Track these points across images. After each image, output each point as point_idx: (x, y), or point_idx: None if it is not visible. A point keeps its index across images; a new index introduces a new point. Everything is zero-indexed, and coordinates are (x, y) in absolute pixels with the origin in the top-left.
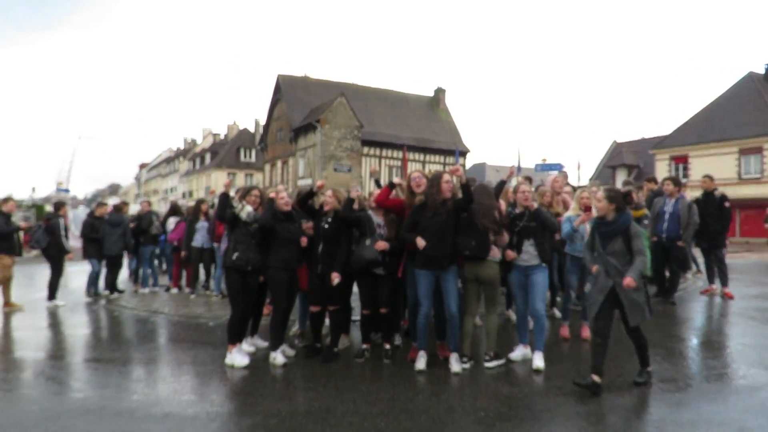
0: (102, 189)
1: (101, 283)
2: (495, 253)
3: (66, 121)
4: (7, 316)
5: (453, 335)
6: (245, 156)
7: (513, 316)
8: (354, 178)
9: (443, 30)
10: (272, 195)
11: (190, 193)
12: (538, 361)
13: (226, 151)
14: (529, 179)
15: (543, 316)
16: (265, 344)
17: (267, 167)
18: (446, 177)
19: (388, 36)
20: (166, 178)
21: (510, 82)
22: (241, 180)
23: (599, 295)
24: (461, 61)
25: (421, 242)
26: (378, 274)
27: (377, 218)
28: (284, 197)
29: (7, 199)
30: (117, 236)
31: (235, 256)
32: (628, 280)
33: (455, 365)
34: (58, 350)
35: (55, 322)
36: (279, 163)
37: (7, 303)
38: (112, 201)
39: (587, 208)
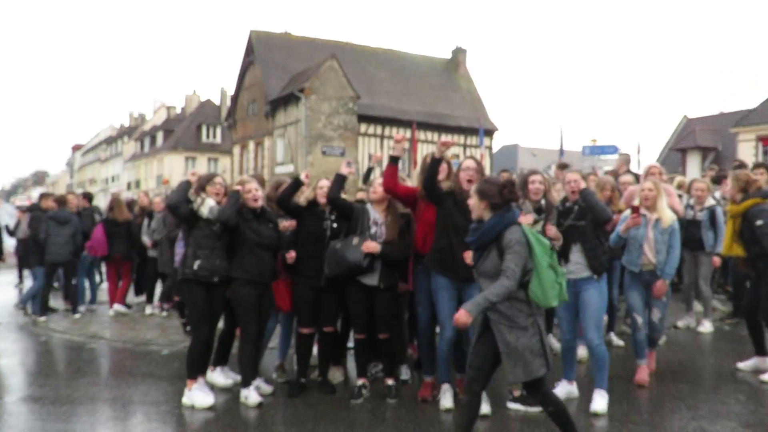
0: (24, 178)
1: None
2: None
3: None
4: None
5: None
6: (208, 135)
7: (555, 342)
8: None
9: None
10: (237, 188)
11: (137, 183)
12: (599, 402)
13: (184, 130)
14: (563, 166)
15: (600, 346)
16: (237, 378)
17: (236, 150)
18: (467, 163)
19: None
20: (107, 163)
21: (550, 41)
22: (203, 166)
23: (474, 339)
24: (487, 14)
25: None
26: (372, 287)
27: (376, 214)
28: (252, 190)
29: None
30: (65, 238)
31: (196, 264)
32: (459, 313)
33: (483, 405)
34: None
35: None
36: (252, 145)
37: None
38: (36, 192)
39: (635, 209)
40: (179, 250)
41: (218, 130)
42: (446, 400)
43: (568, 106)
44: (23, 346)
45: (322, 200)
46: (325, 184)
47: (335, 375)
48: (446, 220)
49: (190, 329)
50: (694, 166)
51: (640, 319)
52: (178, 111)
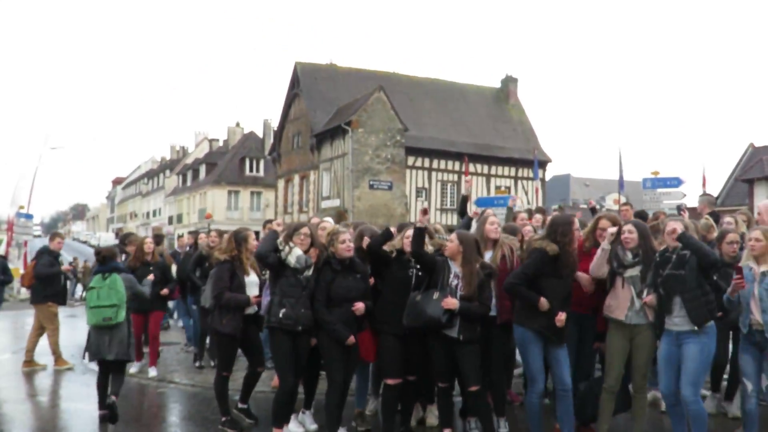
0: (64, 211)
1: None
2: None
3: (19, 122)
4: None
5: (567, 416)
6: (252, 169)
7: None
8: (397, 198)
9: None
10: (333, 244)
11: (179, 218)
12: None
13: (227, 163)
14: (593, 209)
15: (696, 402)
16: (314, 427)
17: (281, 183)
18: (577, 223)
19: (438, 8)
20: (148, 197)
21: (606, 67)
22: (246, 200)
23: None
24: (538, 41)
25: (544, 305)
26: (452, 337)
27: (455, 267)
28: (346, 241)
29: (54, 235)
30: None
31: (281, 313)
32: None
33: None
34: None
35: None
36: (297, 179)
37: (58, 359)
38: (76, 227)
39: (737, 270)
40: (265, 298)
41: (261, 163)
42: None
43: (624, 133)
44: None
45: (408, 249)
46: (411, 234)
47: (431, 417)
48: (548, 290)
49: (278, 377)
50: (762, 198)
51: (750, 386)
52: (221, 143)
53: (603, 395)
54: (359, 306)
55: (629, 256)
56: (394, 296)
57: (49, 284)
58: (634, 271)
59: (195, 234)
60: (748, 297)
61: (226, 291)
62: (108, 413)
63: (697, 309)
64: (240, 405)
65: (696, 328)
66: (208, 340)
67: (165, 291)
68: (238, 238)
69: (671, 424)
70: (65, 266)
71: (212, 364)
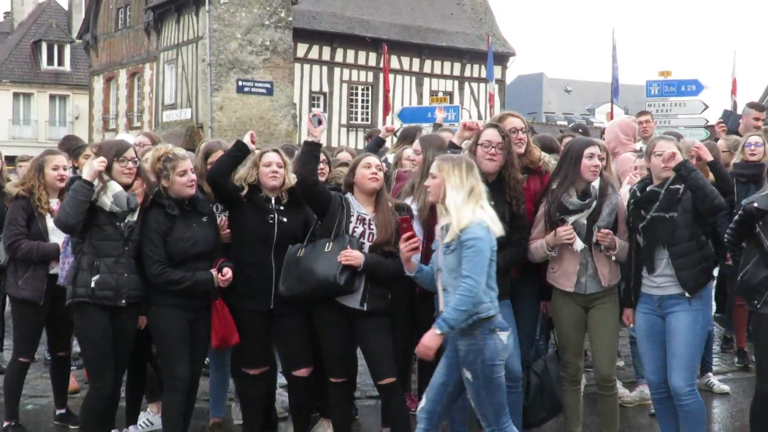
0: None
1: None
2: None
3: None
4: None
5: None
6: (51, 60)
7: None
8: (281, 108)
9: None
10: (168, 176)
11: None
12: None
13: (11, 50)
14: (580, 128)
15: (691, 394)
16: None
17: (98, 84)
18: (488, 134)
19: None
20: None
21: None
22: (42, 107)
23: None
24: None
25: None
26: (353, 310)
27: (362, 209)
28: (188, 171)
29: None
30: None
31: (94, 280)
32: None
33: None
34: None
35: None
36: (123, 76)
37: None
38: None
39: (403, 221)
40: (66, 258)
41: (67, 52)
42: None
43: (621, 19)
44: None
45: (270, 182)
46: (274, 159)
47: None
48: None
49: (88, 374)
50: None
51: None
52: (0, 19)
53: (566, 387)
54: (228, 276)
55: (574, 195)
56: (247, 254)
57: None
58: (582, 216)
59: None
60: (434, 268)
61: (23, 239)
62: None
63: (690, 268)
64: (57, 411)
65: (687, 294)
66: None
67: None
68: (39, 164)
69: (659, 426)
70: None
71: None
